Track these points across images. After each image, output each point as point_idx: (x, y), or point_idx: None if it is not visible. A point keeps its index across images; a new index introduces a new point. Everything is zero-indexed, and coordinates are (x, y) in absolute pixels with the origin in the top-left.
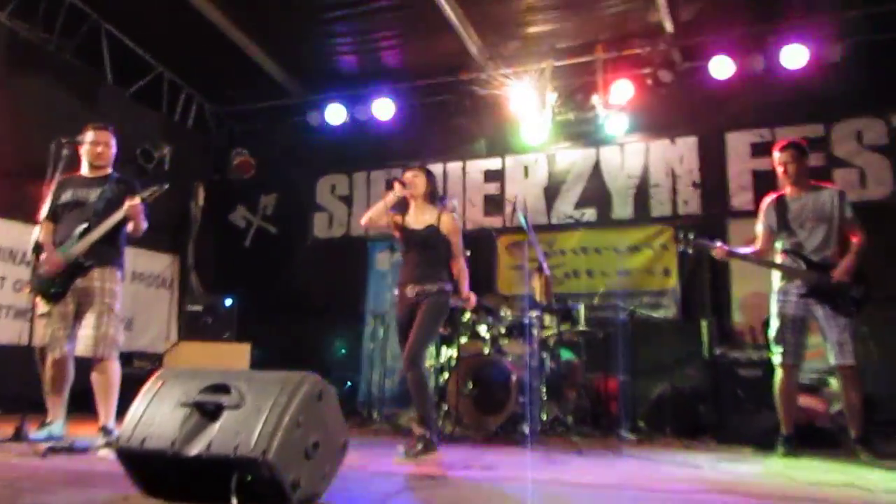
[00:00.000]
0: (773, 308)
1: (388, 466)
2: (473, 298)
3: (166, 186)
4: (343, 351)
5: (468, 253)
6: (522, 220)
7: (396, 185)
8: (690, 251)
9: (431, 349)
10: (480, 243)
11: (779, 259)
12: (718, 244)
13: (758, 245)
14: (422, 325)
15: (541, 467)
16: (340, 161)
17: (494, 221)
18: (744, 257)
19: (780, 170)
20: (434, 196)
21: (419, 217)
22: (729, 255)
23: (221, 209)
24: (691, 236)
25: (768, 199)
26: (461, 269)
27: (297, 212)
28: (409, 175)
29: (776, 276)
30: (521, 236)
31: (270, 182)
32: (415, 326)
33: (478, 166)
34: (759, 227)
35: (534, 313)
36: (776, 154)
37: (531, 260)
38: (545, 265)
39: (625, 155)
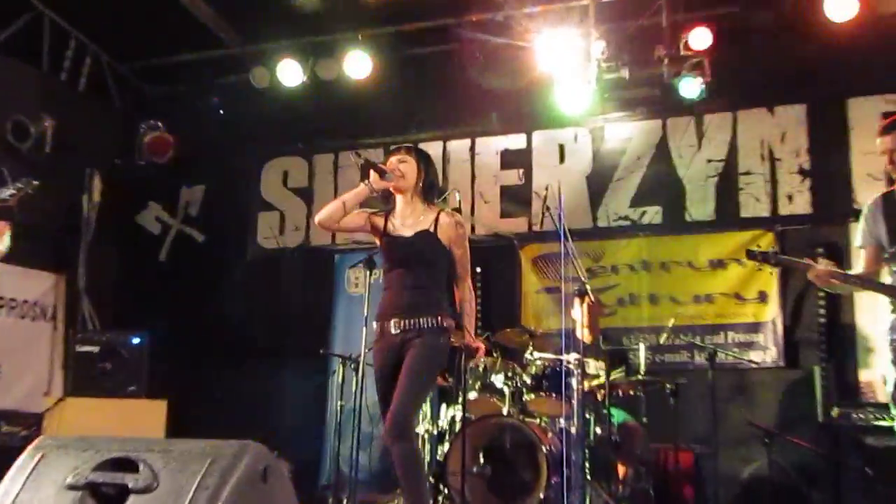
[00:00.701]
0: (887, 352)
1: None
2: (482, 350)
3: (36, 183)
4: (299, 411)
5: (478, 271)
6: (556, 223)
7: (375, 176)
8: (771, 269)
9: (426, 408)
10: (496, 257)
11: (889, 280)
12: (816, 262)
13: (861, 264)
14: (412, 376)
15: None
16: (296, 138)
17: (516, 225)
18: (846, 278)
19: (884, 158)
20: (430, 189)
21: (409, 219)
22: (829, 278)
23: (126, 208)
24: (773, 249)
25: (870, 201)
26: (467, 294)
27: (233, 211)
28: (394, 160)
29: (886, 304)
30: (555, 246)
31: (196, 169)
32: (402, 377)
33: (492, 146)
34: (861, 239)
35: (573, 357)
36: (878, 139)
37: (569, 280)
38: (589, 288)
39: (703, 130)
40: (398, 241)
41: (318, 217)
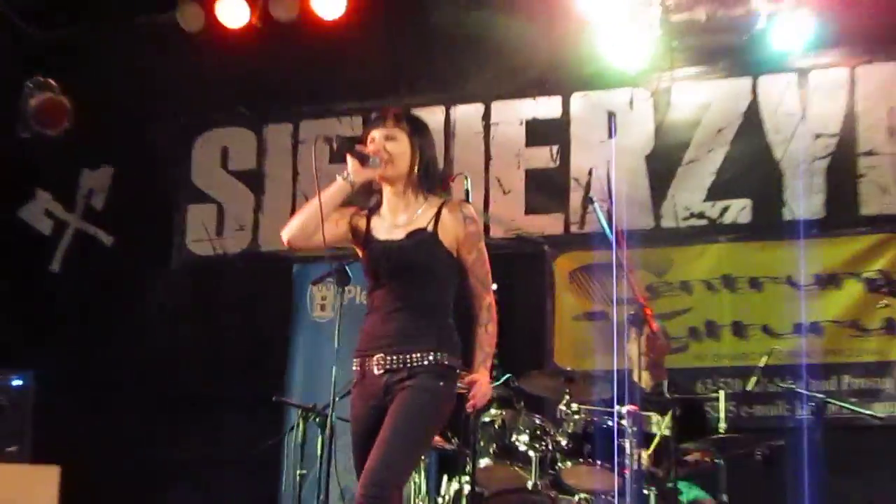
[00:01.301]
0: None
1: None
2: (483, 386)
3: None
4: (243, 481)
5: (493, 288)
6: (603, 223)
7: (354, 164)
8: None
9: (418, 479)
10: (519, 269)
11: None
12: None
13: None
14: (398, 431)
15: None
16: (240, 102)
17: (547, 224)
18: None
19: None
20: (429, 174)
21: (400, 216)
22: None
23: (4, 198)
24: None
25: None
26: (484, 317)
27: (153, 203)
28: (377, 136)
29: None
30: (602, 255)
31: (102, 145)
32: (383, 431)
33: (515, 113)
34: None
35: (627, 410)
36: None
37: (622, 302)
38: (650, 313)
39: (807, 92)
40: (384, 247)
41: (288, 234)
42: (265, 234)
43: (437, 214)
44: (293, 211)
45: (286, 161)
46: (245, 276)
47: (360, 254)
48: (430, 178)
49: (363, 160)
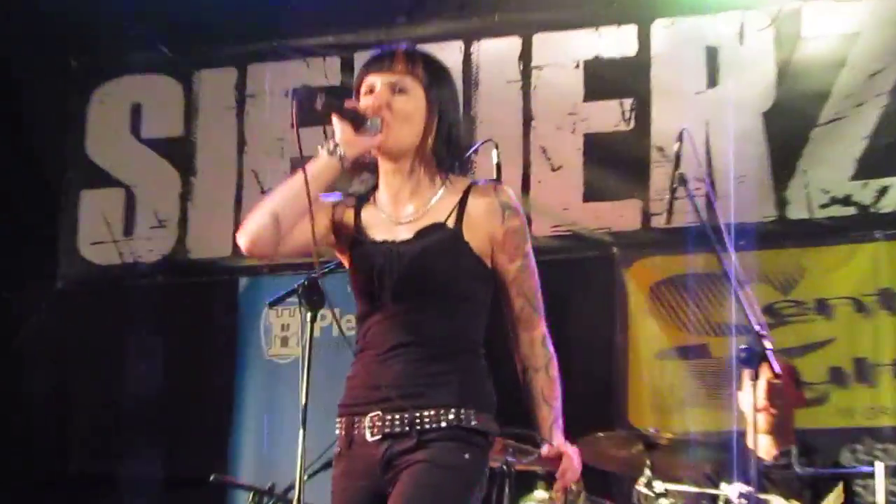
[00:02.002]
0: None
1: None
2: (575, 457)
3: None
4: None
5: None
6: (700, 212)
7: (344, 128)
8: None
9: None
10: (573, 281)
11: None
12: None
13: None
14: None
15: None
16: (160, 37)
17: (616, 216)
18: None
19: None
20: (452, 147)
21: (406, 205)
22: None
23: None
24: None
25: None
26: (538, 353)
27: (27, 186)
28: (378, 85)
29: None
30: (698, 261)
31: None
32: None
33: (568, 51)
34: None
35: (735, 490)
36: None
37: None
38: (771, 347)
39: None
40: (383, 253)
41: (249, 238)
42: (197, 234)
43: (462, 203)
44: (238, 199)
45: (227, 125)
46: (167, 295)
47: (344, 262)
48: (453, 150)
49: (358, 123)
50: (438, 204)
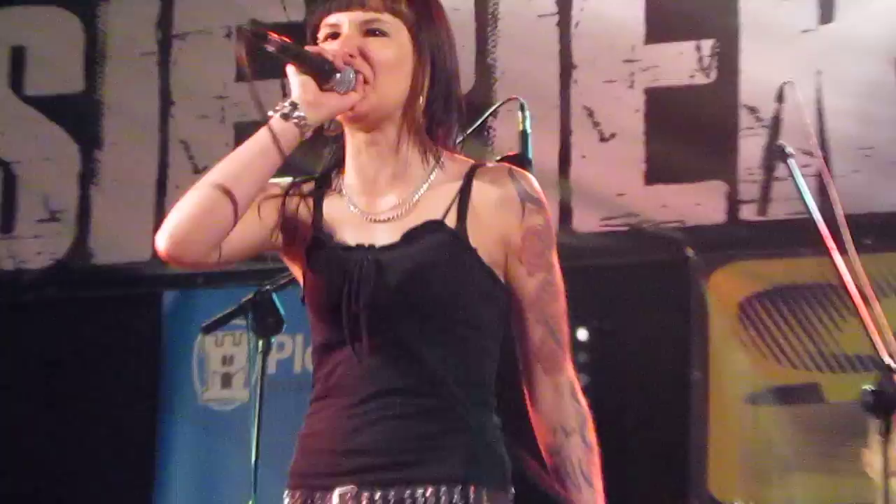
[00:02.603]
0: None
1: None
2: None
3: None
4: None
5: (581, 338)
6: (807, 199)
7: (300, 79)
8: None
9: None
10: (634, 295)
11: None
12: None
13: None
14: None
15: None
16: None
17: (691, 204)
18: None
19: None
20: (448, 111)
21: (387, 195)
22: None
23: None
24: None
25: None
26: (567, 404)
27: None
28: (348, 26)
29: None
30: (804, 265)
31: None
32: None
33: None
34: None
35: None
36: None
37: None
38: None
39: None
40: (354, 261)
41: (171, 238)
42: (104, 231)
43: (464, 192)
44: (161, 181)
45: (145, 78)
46: (61, 314)
47: (296, 272)
48: (449, 115)
49: (324, 75)
50: (431, 193)
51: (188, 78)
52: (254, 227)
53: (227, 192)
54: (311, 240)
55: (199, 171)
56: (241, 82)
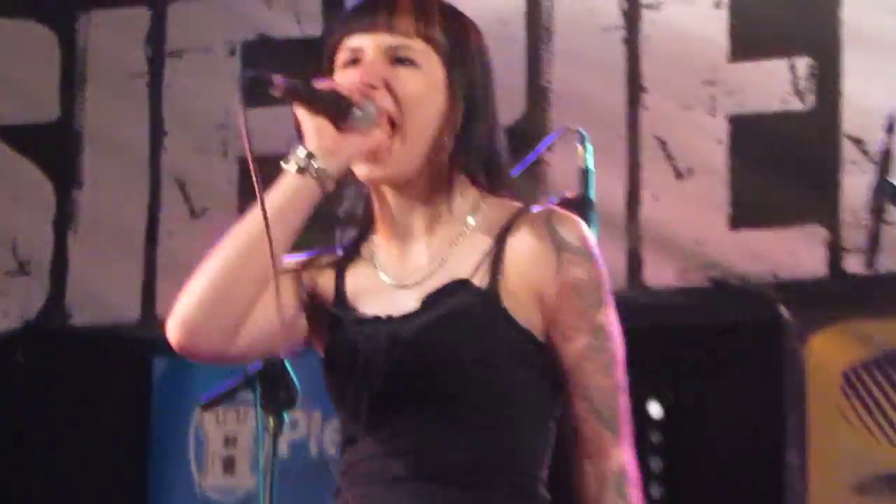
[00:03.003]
0: None
1: None
2: None
3: None
4: None
5: (653, 415)
6: None
7: (312, 120)
8: None
9: None
10: (716, 363)
11: None
12: None
13: None
14: None
15: None
16: None
17: (786, 255)
18: None
19: None
20: (490, 155)
21: (417, 254)
22: None
23: None
24: None
25: None
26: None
27: None
28: (369, 52)
29: None
30: None
31: None
32: None
33: None
34: None
35: None
36: None
37: None
38: None
39: None
40: (369, 336)
41: (183, 324)
42: (84, 286)
43: (499, 244)
44: (152, 226)
45: (133, 103)
46: (33, 384)
47: (320, 348)
48: (491, 155)
49: (340, 114)
50: (463, 248)
51: (184, 103)
52: (273, 315)
53: (242, 270)
54: (330, 318)
55: (196, 214)
56: (249, 109)
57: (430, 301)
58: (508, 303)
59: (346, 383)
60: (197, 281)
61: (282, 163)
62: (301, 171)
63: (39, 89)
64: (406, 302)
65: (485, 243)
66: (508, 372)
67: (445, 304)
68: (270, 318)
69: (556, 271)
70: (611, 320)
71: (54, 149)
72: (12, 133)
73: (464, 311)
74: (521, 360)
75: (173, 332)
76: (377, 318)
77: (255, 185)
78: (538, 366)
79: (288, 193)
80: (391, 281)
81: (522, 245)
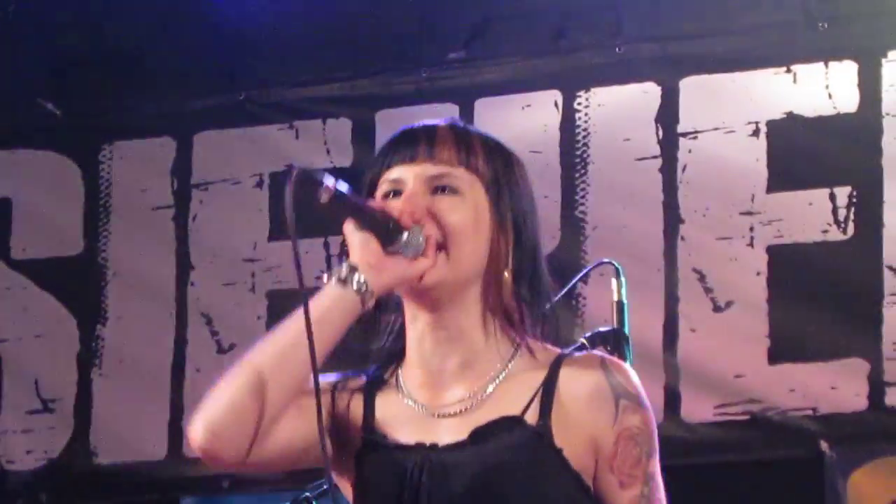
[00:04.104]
0: None
1: None
2: None
3: None
4: None
5: None
6: None
7: (361, 237)
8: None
9: None
10: (756, 495)
11: None
12: None
13: None
14: None
15: None
16: (44, 92)
17: (825, 388)
18: None
19: None
20: (534, 285)
21: (454, 387)
22: None
23: None
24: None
25: None
26: None
27: None
28: (412, 182)
29: None
30: None
31: None
32: None
33: (739, 107)
34: None
35: None
36: None
37: None
38: None
39: None
40: (415, 463)
41: (206, 428)
42: (109, 425)
43: (549, 383)
44: (179, 363)
45: (158, 236)
46: None
47: (342, 483)
48: (534, 293)
49: (389, 235)
50: (509, 384)
51: (210, 236)
52: (299, 428)
53: (274, 377)
54: (361, 443)
55: (223, 350)
56: (277, 241)
57: (482, 433)
58: (562, 444)
59: None
60: (226, 384)
61: (324, 275)
62: (342, 282)
63: (63, 222)
64: (450, 433)
65: (534, 381)
66: None
67: (498, 439)
68: (296, 429)
69: (615, 419)
70: (658, 469)
71: (78, 283)
72: (35, 267)
73: (517, 447)
74: None
75: (197, 433)
76: (420, 445)
77: (298, 282)
78: None
79: (327, 303)
80: (420, 407)
81: (578, 387)
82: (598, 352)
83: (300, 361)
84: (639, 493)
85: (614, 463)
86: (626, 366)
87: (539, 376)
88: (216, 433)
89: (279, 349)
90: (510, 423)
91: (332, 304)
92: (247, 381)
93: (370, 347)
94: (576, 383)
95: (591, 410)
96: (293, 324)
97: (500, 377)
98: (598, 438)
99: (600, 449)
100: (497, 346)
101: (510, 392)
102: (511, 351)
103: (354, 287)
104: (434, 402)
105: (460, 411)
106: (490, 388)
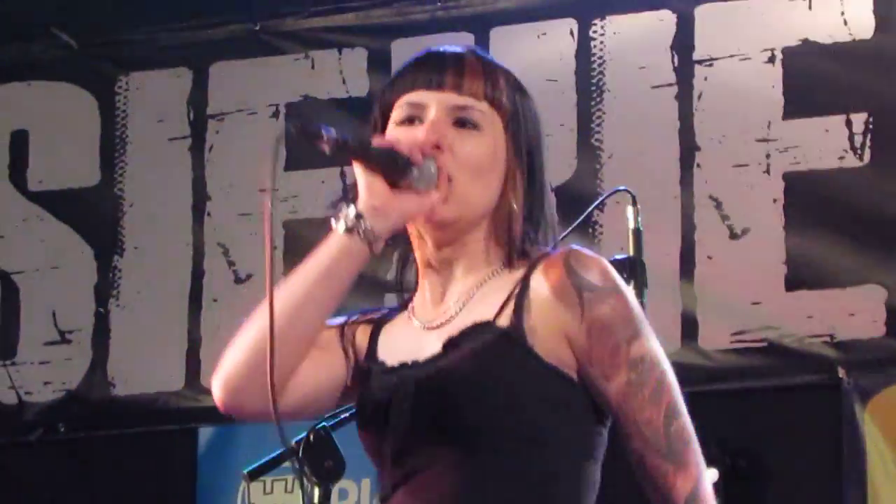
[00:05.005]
0: None
1: None
2: None
3: None
4: None
5: (713, 474)
6: None
7: (367, 176)
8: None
9: None
10: (773, 421)
11: None
12: None
13: None
14: None
15: None
16: (57, 20)
17: (842, 315)
18: None
19: None
20: (544, 221)
21: (447, 302)
22: None
23: None
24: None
25: None
26: None
27: None
28: (434, 108)
29: None
30: None
31: None
32: None
33: (755, 33)
34: None
35: None
36: None
37: None
38: None
39: None
40: (392, 384)
41: (227, 381)
42: (126, 356)
43: (523, 286)
44: (195, 294)
45: (174, 167)
46: (76, 458)
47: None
48: (544, 227)
49: (398, 171)
50: (487, 290)
51: (227, 167)
52: (324, 368)
53: (288, 330)
54: (361, 373)
55: (240, 280)
56: (294, 171)
57: (452, 343)
58: (534, 342)
59: (375, 436)
60: (241, 339)
61: (332, 220)
62: (349, 231)
63: (79, 154)
64: (430, 345)
65: (509, 285)
66: (537, 413)
67: (465, 346)
68: (316, 376)
69: (581, 313)
70: (648, 348)
71: (95, 214)
72: (52, 199)
73: (483, 351)
74: (551, 399)
75: (218, 391)
76: (403, 365)
77: (266, 251)
78: (572, 406)
79: (335, 254)
80: (420, 325)
81: (544, 288)
82: (569, 247)
83: (312, 314)
84: (625, 381)
85: (592, 356)
86: (594, 255)
87: (516, 278)
88: (237, 390)
89: (290, 303)
90: (481, 329)
91: (339, 255)
92: (262, 336)
93: (387, 287)
94: (542, 283)
95: (556, 308)
96: (299, 277)
97: (487, 281)
98: (570, 335)
99: (575, 346)
100: (494, 255)
101: (487, 297)
102: (504, 258)
103: (361, 235)
104: (431, 315)
105: (443, 323)
106: (472, 297)
